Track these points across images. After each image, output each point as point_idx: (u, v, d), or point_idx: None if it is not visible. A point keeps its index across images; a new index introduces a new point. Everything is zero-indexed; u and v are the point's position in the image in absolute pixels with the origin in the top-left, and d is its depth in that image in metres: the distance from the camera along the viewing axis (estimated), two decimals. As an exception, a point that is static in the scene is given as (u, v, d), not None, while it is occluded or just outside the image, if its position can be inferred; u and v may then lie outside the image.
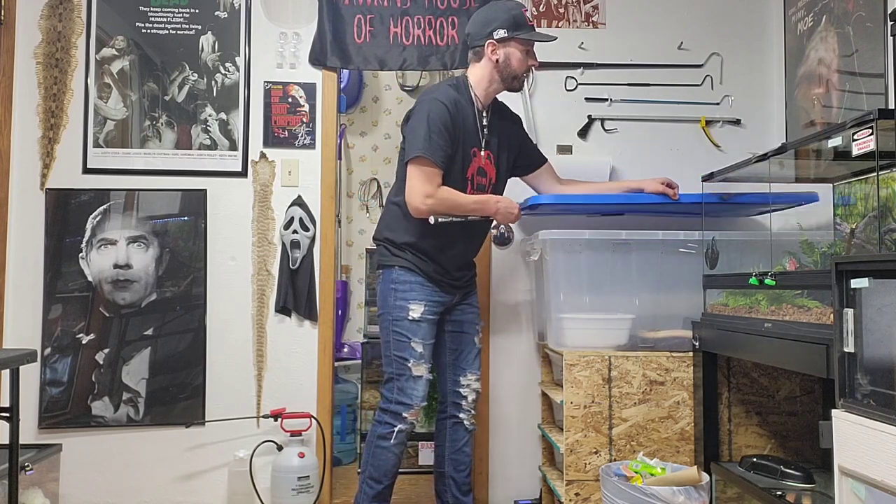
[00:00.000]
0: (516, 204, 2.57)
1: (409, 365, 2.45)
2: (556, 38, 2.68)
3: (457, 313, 2.64)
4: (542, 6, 3.17)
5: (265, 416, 3.03)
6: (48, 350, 2.99)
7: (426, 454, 3.73)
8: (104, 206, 3.04)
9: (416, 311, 2.46)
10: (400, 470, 3.66)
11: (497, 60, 2.49)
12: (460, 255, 2.58)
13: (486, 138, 2.56)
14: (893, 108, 2.29)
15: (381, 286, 2.55)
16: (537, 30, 2.71)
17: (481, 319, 2.74)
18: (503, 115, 2.68)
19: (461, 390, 2.61)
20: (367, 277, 4.15)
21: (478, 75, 2.54)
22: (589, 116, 3.14)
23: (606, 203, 2.77)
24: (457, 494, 2.62)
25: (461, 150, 2.47)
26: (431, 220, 2.42)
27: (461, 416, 2.61)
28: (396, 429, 2.45)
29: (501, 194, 2.65)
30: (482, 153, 2.55)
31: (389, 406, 2.47)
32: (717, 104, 3.16)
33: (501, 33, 2.47)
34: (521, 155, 2.71)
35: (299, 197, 3.10)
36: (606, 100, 3.14)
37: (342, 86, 3.73)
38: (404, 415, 2.44)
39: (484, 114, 2.56)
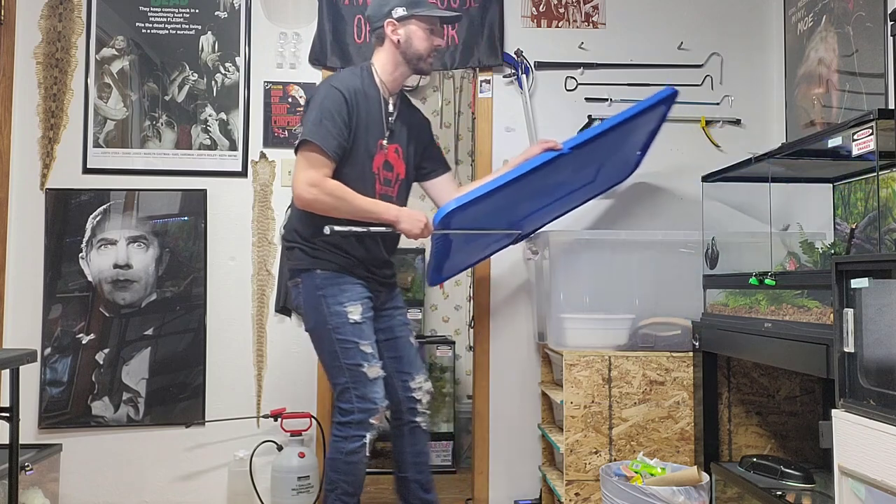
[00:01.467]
0: (424, 215, 2.33)
1: (364, 370, 2.28)
2: (459, 17, 2.52)
3: (384, 319, 2.48)
4: (542, 6, 3.17)
5: (265, 416, 3.03)
6: (48, 350, 2.99)
7: (426, 454, 3.72)
8: (104, 206, 3.04)
9: (354, 312, 2.30)
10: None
11: (398, 41, 2.37)
12: (376, 251, 2.41)
13: (391, 129, 2.41)
14: (893, 108, 2.29)
15: (304, 295, 2.34)
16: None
17: (410, 320, 2.63)
18: (412, 109, 2.57)
19: (414, 394, 2.48)
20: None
21: (382, 60, 2.40)
22: (589, 116, 3.14)
23: (503, 184, 2.36)
24: (422, 495, 2.52)
25: (364, 142, 2.33)
26: (327, 230, 2.23)
27: (418, 419, 2.49)
28: (367, 439, 2.29)
29: (409, 192, 2.52)
30: (388, 145, 2.40)
31: (353, 417, 2.28)
32: (717, 104, 3.16)
33: (400, 11, 2.35)
34: (425, 157, 2.56)
35: (299, 197, 3.10)
36: (606, 100, 3.14)
37: (342, 86, 3.72)
38: (371, 421, 2.29)
39: (390, 102, 2.43)
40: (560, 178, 2.56)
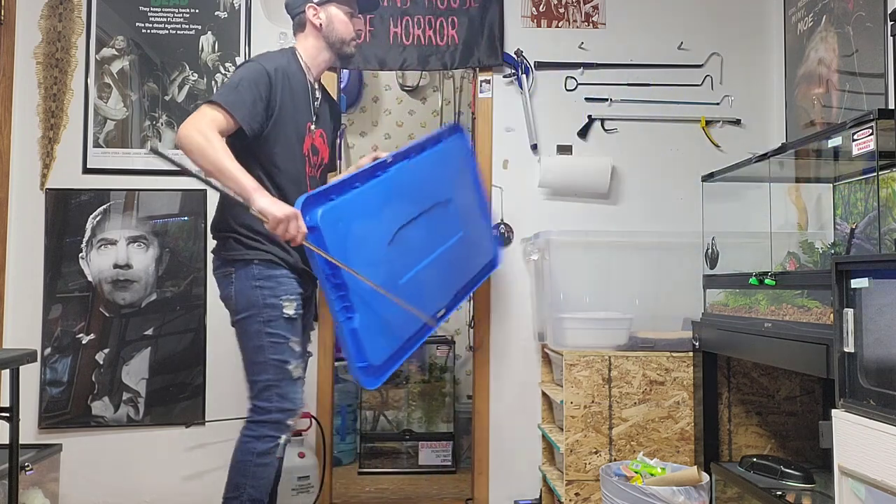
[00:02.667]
0: (295, 211, 1.99)
1: (290, 367, 2.20)
2: (377, 5, 2.54)
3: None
4: (542, 6, 3.17)
5: (265, 416, 3.02)
6: (48, 350, 2.99)
7: (426, 454, 3.73)
8: (104, 206, 3.04)
9: (289, 307, 2.21)
10: (400, 470, 3.71)
11: (320, 25, 2.36)
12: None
13: (317, 113, 2.39)
14: (893, 108, 2.29)
15: (237, 284, 2.22)
16: None
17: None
18: (331, 98, 2.57)
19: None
20: (367, 277, 4.15)
21: (306, 46, 2.39)
22: (589, 116, 3.14)
23: (347, 179, 2.19)
24: None
25: (293, 121, 2.28)
26: (153, 143, 2.05)
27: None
28: (281, 440, 2.20)
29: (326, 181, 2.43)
30: (315, 129, 2.38)
31: (270, 416, 2.18)
32: (717, 104, 3.16)
33: None
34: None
35: (299, 197, 3.09)
36: (606, 100, 3.14)
37: (342, 86, 3.73)
38: (288, 423, 2.20)
39: (315, 87, 2.41)
40: (412, 204, 2.35)
